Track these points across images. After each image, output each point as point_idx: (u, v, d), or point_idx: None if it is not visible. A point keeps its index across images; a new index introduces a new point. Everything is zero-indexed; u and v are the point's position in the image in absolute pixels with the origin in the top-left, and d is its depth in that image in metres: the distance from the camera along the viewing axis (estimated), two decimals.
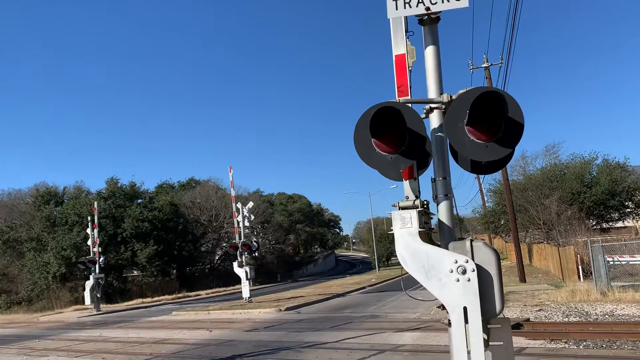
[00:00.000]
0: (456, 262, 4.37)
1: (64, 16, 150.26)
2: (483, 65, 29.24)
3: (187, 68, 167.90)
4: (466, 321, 4.28)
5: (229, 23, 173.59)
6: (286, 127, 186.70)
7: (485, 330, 4.64)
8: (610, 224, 41.29)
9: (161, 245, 50.54)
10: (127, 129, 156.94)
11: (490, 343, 4.65)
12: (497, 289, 4.45)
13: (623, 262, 21.24)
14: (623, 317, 14.23)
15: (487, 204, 52.75)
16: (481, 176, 49.73)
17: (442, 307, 4.63)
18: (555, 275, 29.52)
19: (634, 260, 21.14)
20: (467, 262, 4.35)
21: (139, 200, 55.51)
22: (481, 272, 4.40)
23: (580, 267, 25.16)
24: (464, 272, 4.32)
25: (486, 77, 29.03)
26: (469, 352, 4.26)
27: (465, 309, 4.30)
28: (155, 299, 41.34)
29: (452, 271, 4.37)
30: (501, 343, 4.73)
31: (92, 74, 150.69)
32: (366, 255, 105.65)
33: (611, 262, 20.75)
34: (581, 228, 33.30)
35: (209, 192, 60.51)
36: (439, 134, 5.01)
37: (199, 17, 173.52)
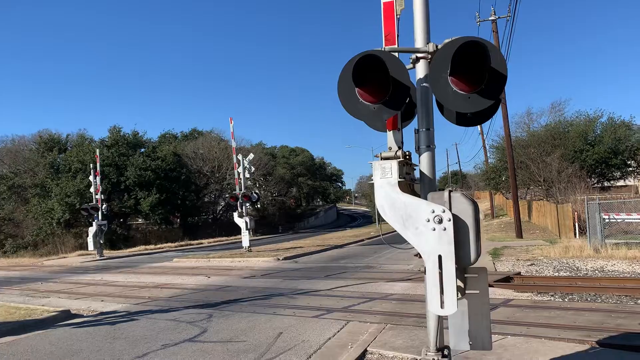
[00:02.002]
0: (433, 211, 4.45)
1: None
2: (490, 18, 28.58)
3: (192, 21, 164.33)
4: (440, 269, 4.40)
5: None
6: (291, 80, 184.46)
7: (462, 279, 4.77)
8: (611, 182, 41.31)
9: (164, 195, 51.03)
10: (129, 80, 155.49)
11: (466, 291, 4.79)
12: (473, 239, 4.54)
13: (619, 220, 21.39)
14: (612, 272, 14.47)
15: (489, 160, 52.70)
16: (485, 132, 49.50)
17: (419, 255, 4.75)
18: (552, 231, 29.81)
19: (630, 218, 21.28)
20: (443, 211, 4.42)
21: (142, 150, 55.68)
22: (458, 222, 4.48)
23: (576, 224, 25.37)
24: (440, 221, 4.40)
25: (493, 31, 28.42)
26: (442, 298, 4.39)
27: (440, 257, 4.40)
28: (158, 246, 42.10)
29: (428, 220, 4.45)
30: (477, 292, 4.88)
31: (93, 24, 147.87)
32: (367, 210, 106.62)
33: (607, 220, 20.91)
34: (581, 186, 33.33)
35: (212, 143, 60.59)
36: (424, 84, 4.99)
37: None
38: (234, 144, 29.26)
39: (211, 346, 7.90)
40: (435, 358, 4.82)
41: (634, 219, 21.20)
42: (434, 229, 4.41)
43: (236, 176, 28.24)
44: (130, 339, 8.63)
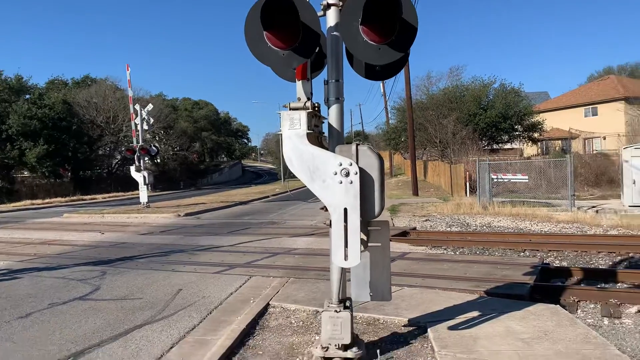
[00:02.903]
0: (341, 164, 4.38)
1: None
2: None
3: None
4: (346, 222, 4.37)
5: None
6: (196, 30, 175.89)
7: (365, 232, 4.80)
8: (500, 145, 44.28)
9: (53, 146, 47.32)
10: (11, 16, 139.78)
11: (369, 244, 4.84)
12: (378, 192, 4.56)
13: (505, 180, 23.06)
14: (498, 228, 15.61)
15: (390, 122, 54.35)
16: (387, 94, 50.70)
17: (325, 208, 4.70)
18: (446, 190, 31.57)
19: (515, 178, 22.99)
20: (351, 165, 4.37)
21: (27, 96, 50.89)
22: (364, 175, 4.46)
23: (467, 183, 27.02)
24: (347, 174, 4.35)
25: None
26: (346, 251, 4.39)
27: (345, 210, 4.37)
28: (47, 201, 39.26)
29: (335, 173, 4.38)
30: (379, 244, 4.94)
31: None
32: (273, 167, 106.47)
33: (495, 180, 22.46)
34: (473, 148, 35.43)
35: (107, 91, 56.73)
36: (335, 33, 4.83)
37: None
38: (130, 93, 27.54)
39: (104, 304, 7.48)
40: (338, 309, 4.87)
41: (519, 179, 22.91)
42: (341, 182, 4.35)
43: (133, 128, 26.73)
44: (13, 298, 7.96)
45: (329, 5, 4.79)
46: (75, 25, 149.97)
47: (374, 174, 4.55)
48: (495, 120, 39.87)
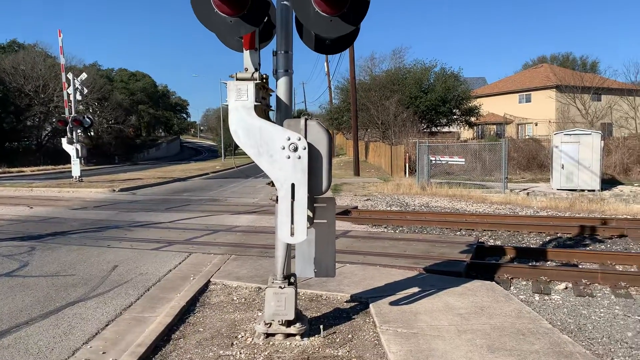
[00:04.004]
0: (289, 139, 4.29)
1: None
2: None
3: None
4: (293, 197, 4.30)
5: None
6: None
7: (312, 208, 4.75)
8: (438, 128, 45.44)
9: None
10: None
11: (315, 220, 4.79)
12: (326, 168, 4.51)
13: (443, 162, 23.73)
14: (436, 208, 16.04)
15: (333, 101, 54.46)
16: (332, 73, 50.68)
17: (272, 183, 4.60)
18: (386, 171, 32.11)
19: (452, 161, 23.71)
20: (299, 139, 4.29)
21: None
22: (312, 150, 4.39)
23: (407, 165, 27.61)
24: (296, 149, 4.27)
25: None
26: (292, 227, 4.33)
27: (293, 185, 4.29)
28: None
29: (284, 148, 4.29)
30: (325, 221, 4.91)
31: None
32: (213, 144, 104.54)
33: (433, 162, 23.06)
34: (413, 130, 36.18)
35: (36, 59, 53.38)
36: (285, 2, 4.68)
37: None
38: (62, 61, 26.03)
39: (34, 280, 7.09)
40: (282, 285, 4.82)
41: (455, 161, 23.63)
42: (289, 157, 4.27)
43: (65, 97, 25.36)
44: None
45: None
46: None
47: (322, 149, 4.49)
48: (435, 104, 40.80)
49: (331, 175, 4.60)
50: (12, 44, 60.06)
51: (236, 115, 4.40)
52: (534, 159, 28.62)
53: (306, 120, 4.50)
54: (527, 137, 42.78)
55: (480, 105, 44.56)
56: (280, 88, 4.83)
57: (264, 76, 4.74)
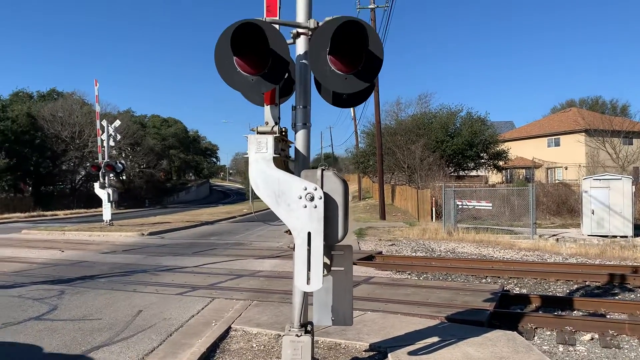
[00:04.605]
0: (306, 189, 4.45)
1: None
2: (370, 7, 29.47)
3: None
4: (309, 245, 4.42)
5: None
6: (166, 49, 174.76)
7: (329, 256, 4.86)
8: (466, 172, 45.25)
9: (14, 159, 46.04)
10: None
11: (332, 268, 4.89)
12: (342, 217, 4.62)
13: (470, 207, 23.53)
14: (462, 254, 15.87)
15: (359, 145, 54.92)
16: (357, 118, 51.35)
17: (290, 232, 4.74)
18: (413, 215, 31.95)
19: (479, 205, 23.48)
20: (315, 189, 4.44)
21: None
22: (328, 200, 4.53)
23: (434, 209, 27.45)
24: (312, 199, 4.42)
25: (371, 19, 29.34)
26: (309, 274, 4.43)
27: (309, 234, 4.42)
28: (5, 216, 37.97)
29: (300, 197, 4.44)
30: (342, 269, 4.99)
31: None
32: (241, 187, 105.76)
33: (460, 206, 22.90)
34: (440, 174, 36.11)
35: (73, 106, 55.67)
36: (304, 61, 4.94)
37: None
38: (98, 109, 27.15)
39: (61, 324, 7.29)
40: (299, 334, 4.88)
41: (482, 206, 23.39)
42: (306, 206, 4.41)
43: (99, 144, 26.30)
44: None
45: (298, 34, 4.91)
46: (42, 40, 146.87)
47: (338, 199, 4.62)
48: (462, 148, 40.78)
49: (347, 224, 4.72)
50: (52, 93, 62.90)
51: (256, 166, 4.60)
52: (564, 204, 28.12)
53: (323, 170, 4.66)
54: (556, 181, 42.17)
55: (508, 149, 44.35)
56: (298, 140, 5.03)
57: (283, 129, 4.96)
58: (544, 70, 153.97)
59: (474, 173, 46.69)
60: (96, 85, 25.94)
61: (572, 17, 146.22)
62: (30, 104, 56.37)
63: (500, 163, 44.69)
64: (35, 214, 40.68)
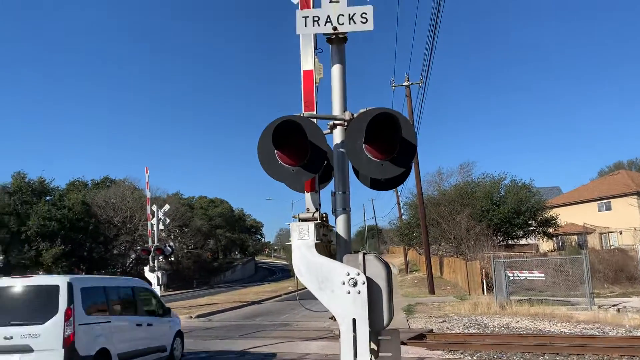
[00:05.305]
0: (348, 274, 4.52)
1: None
2: (404, 84, 30.32)
3: (99, 62, 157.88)
4: (354, 332, 4.43)
5: (142, 19, 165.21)
6: (213, 132, 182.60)
7: (376, 341, 4.83)
8: (515, 240, 43.92)
9: (69, 246, 47.90)
10: (39, 126, 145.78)
11: (380, 354, 4.84)
12: (386, 302, 4.64)
13: (522, 278, 22.69)
14: (517, 329, 15.19)
15: (403, 217, 54.52)
16: (399, 189, 51.32)
17: (334, 318, 4.77)
18: (463, 288, 30.98)
19: (532, 276, 22.63)
20: (358, 274, 4.50)
21: (48, 198, 52.36)
22: (372, 285, 4.57)
23: (484, 281, 26.60)
24: (355, 284, 4.47)
25: (406, 96, 30.12)
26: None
27: (354, 320, 4.44)
28: None
29: (343, 283, 4.50)
30: (390, 354, 4.93)
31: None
32: (286, 263, 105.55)
33: (512, 277, 22.12)
34: (488, 244, 35.20)
35: (125, 192, 58.15)
36: (341, 149, 5.17)
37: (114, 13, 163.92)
38: (148, 195, 28.31)
39: None
40: None
41: (535, 276, 22.55)
42: (349, 292, 4.46)
43: (149, 228, 27.18)
44: None
45: (335, 125, 5.18)
46: (96, 136, 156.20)
47: (382, 283, 4.65)
48: (509, 216, 39.88)
49: (392, 308, 4.72)
50: (105, 180, 66.06)
51: (298, 253, 4.73)
52: (622, 271, 26.77)
53: (364, 255, 4.74)
54: (611, 247, 40.33)
55: (557, 215, 43.06)
56: (339, 225, 5.16)
57: (324, 215, 5.12)
58: (588, 134, 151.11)
59: (523, 241, 45.25)
60: (147, 173, 27.23)
61: (610, 80, 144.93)
62: (85, 192, 59.25)
63: (550, 230, 43.28)
64: None
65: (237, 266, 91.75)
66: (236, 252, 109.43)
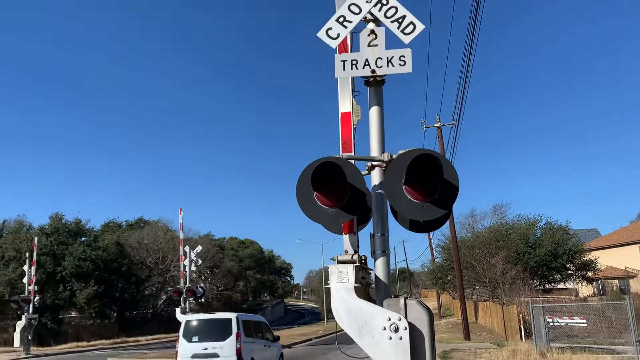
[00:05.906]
0: (389, 319, 4.40)
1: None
2: (435, 125, 30.30)
3: (129, 103, 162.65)
4: None
5: (177, 59, 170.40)
6: (244, 174, 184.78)
7: None
8: (552, 284, 42.43)
9: (102, 286, 48.47)
10: (75, 167, 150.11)
11: None
12: (429, 348, 4.48)
13: (562, 324, 21.77)
14: None
15: (436, 260, 53.46)
16: (431, 232, 50.62)
17: None
18: (499, 333, 29.88)
19: (572, 322, 21.71)
20: (399, 320, 4.38)
21: (83, 239, 53.46)
22: (413, 330, 4.44)
23: (522, 327, 25.62)
24: (397, 330, 4.35)
25: (438, 137, 30.06)
26: None
27: None
28: (91, 343, 39.23)
29: (384, 329, 4.38)
30: None
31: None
32: (316, 306, 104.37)
33: (551, 323, 21.25)
34: (525, 288, 34.05)
35: (158, 233, 58.91)
36: (379, 191, 5.13)
37: (148, 49, 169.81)
38: (181, 236, 28.54)
39: None
40: None
41: (576, 322, 21.64)
42: (390, 338, 4.33)
43: (182, 269, 27.27)
44: None
45: (373, 167, 5.16)
46: (129, 177, 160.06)
47: (424, 329, 4.51)
48: (545, 259, 38.69)
49: (435, 354, 4.56)
50: (139, 221, 67.20)
51: (338, 296, 4.64)
52: None
53: (405, 299, 4.62)
54: None
55: (596, 259, 41.55)
56: (378, 268, 5.07)
57: (363, 257, 5.04)
58: (626, 175, 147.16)
59: (561, 285, 43.68)
60: (180, 214, 27.56)
61: None
62: (119, 232, 60.28)
63: (590, 274, 41.70)
64: (118, 340, 41.75)
65: (267, 308, 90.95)
66: (265, 294, 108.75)
